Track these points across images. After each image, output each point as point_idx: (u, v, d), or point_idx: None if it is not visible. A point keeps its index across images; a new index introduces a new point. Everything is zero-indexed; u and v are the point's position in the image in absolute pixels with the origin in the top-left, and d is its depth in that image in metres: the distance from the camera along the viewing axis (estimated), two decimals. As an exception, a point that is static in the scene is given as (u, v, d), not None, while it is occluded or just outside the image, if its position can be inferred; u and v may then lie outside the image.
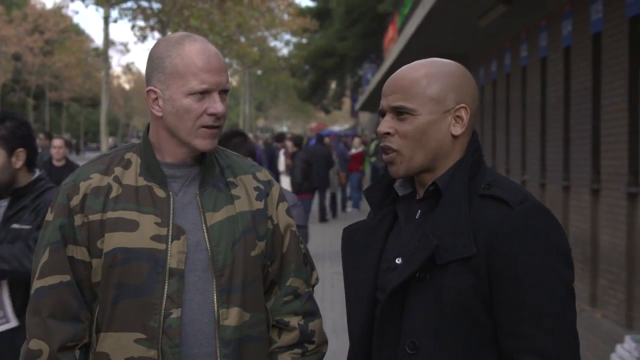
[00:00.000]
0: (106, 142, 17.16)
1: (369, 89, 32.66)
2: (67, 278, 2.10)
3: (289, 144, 15.43)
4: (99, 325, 2.11)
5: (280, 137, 19.11)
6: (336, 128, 68.68)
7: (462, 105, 1.90)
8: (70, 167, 8.92)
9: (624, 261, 7.81)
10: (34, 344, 2.09)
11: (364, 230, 2.03)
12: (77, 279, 2.11)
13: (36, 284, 2.12)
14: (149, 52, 2.17)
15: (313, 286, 2.33)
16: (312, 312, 2.28)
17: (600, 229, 8.60)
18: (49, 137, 13.61)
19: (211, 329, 2.10)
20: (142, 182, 2.14)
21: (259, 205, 2.22)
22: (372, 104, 39.60)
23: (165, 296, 2.06)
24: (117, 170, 2.15)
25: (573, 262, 1.83)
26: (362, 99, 39.73)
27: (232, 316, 2.11)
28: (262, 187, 2.25)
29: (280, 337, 2.24)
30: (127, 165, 2.16)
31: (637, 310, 7.54)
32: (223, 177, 2.21)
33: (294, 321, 2.24)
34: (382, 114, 1.95)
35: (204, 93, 2.07)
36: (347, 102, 60.59)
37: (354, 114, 56.70)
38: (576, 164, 9.62)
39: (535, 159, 11.74)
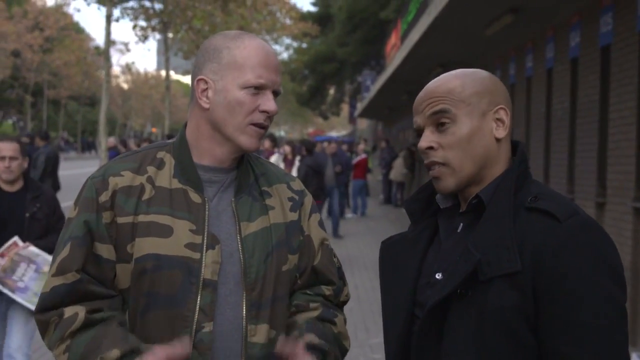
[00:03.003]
0: (105, 141, 17.00)
1: (369, 96, 32.60)
2: (88, 275, 1.97)
3: (287, 148, 14.16)
4: None
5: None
6: (334, 134, 68.67)
7: (501, 106, 1.84)
8: (33, 190, 5.11)
9: (629, 276, 7.73)
10: (69, 311, 1.94)
11: (402, 243, 1.95)
12: (101, 278, 1.98)
13: (53, 281, 1.97)
14: (202, 45, 2.11)
15: (343, 303, 2.22)
16: (334, 308, 2.18)
17: (605, 243, 8.50)
18: (46, 137, 13.38)
19: (238, 346, 1.98)
20: (176, 184, 2.03)
21: (293, 216, 2.13)
22: (372, 111, 39.56)
23: (197, 308, 1.95)
24: (150, 170, 2.04)
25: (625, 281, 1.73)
26: (361, 105, 39.69)
27: (261, 333, 2.01)
28: (296, 197, 2.16)
29: (297, 316, 2.11)
30: (160, 165, 2.05)
31: (642, 326, 7.46)
32: (258, 186, 2.11)
33: (314, 304, 2.13)
34: (419, 133, 1.88)
35: (259, 88, 2.00)
36: (345, 108, 60.57)
37: (352, 120, 56.68)
38: (581, 177, 9.55)
39: (539, 171, 11.66)
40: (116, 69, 67.21)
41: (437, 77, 1.88)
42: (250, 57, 2.00)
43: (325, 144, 21.24)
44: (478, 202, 1.81)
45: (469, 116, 1.80)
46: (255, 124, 2.01)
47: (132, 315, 1.99)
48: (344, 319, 2.18)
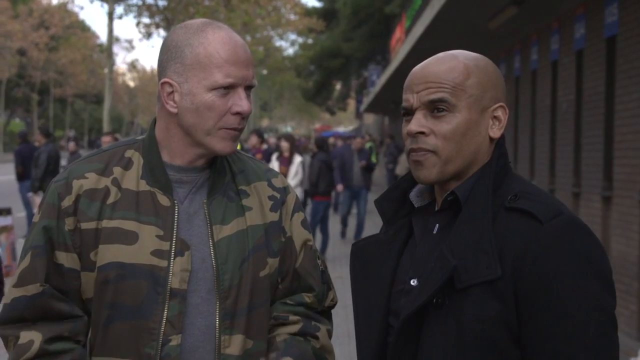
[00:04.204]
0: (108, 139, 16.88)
1: (374, 90, 32.50)
2: (51, 287, 1.86)
3: (285, 145, 12.19)
4: (91, 347, 1.88)
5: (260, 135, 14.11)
6: (341, 129, 68.61)
7: (500, 104, 1.69)
8: None
9: (636, 271, 7.60)
10: (25, 336, 1.84)
11: (375, 246, 1.80)
12: (65, 289, 1.87)
13: (13, 292, 1.87)
14: (164, 40, 1.92)
15: (328, 308, 2.08)
16: (317, 319, 2.03)
17: (612, 238, 8.38)
18: (48, 135, 13.30)
19: (211, 358, 1.86)
20: (144, 186, 1.88)
21: (274, 217, 1.97)
22: (378, 106, 39.44)
23: (164, 320, 1.82)
24: (117, 171, 1.90)
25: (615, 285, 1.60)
26: (367, 100, 39.59)
27: (235, 344, 1.87)
28: (277, 195, 2.01)
29: (277, 330, 1.98)
30: (127, 165, 1.91)
31: (650, 322, 7.33)
32: (234, 185, 1.96)
33: (294, 317, 1.99)
34: (408, 112, 1.70)
35: (228, 88, 1.83)
36: (352, 103, 60.49)
37: (358, 115, 56.56)
38: (587, 170, 9.41)
39: (544, 165, 11.53)
40: (122, 67, 67.23)
41: (439, 57, 1.71)
42: (216, 54, 1.82)
43: (332, 139, 20.79)
44: (454, 199, 1.67)
45: (468, 109, 1.65)
46: (227, 128, 1.86)
47: (95, 327, 1.87)
48: (328, 329, 2.05)
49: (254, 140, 13.59)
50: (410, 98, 1.69)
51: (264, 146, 14.32)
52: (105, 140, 11.21)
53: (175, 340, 1.83)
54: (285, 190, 2.04)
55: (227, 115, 1.85)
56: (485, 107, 1.67)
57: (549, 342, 1.53)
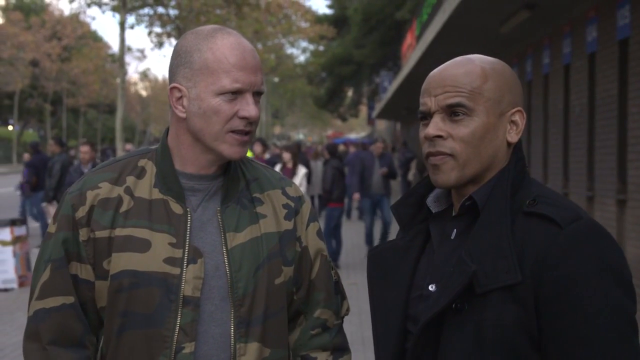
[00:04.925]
0: (122, 148, 16.99)
1: (386, 97, 32.50)
2: (70, 300, 1.88)
3: (286, 155, 11.58)
4: (103, 355, 1.90)
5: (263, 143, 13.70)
6: (353, 136, 68.64)
7: (518, 108, 1.69)
8: None
9: (652, 275, 7.54)
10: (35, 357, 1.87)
11: (392, 252, 1.79)
12: (81, 300, 1.89)
13: (35, 305, 1.90)
14: (175, 45, 1.93)
15: (342, 317, 2.10)
16: (341, 347, 2.07)
17: (627, 241, 8.33)
18: (61, 144, 13.36)
19: None
20: (156, 195, 1.89)
21: (288, 225, 1.98)
22: (389, 112, 39.45)
23: (177, 328, 1.83)
24: (130, 180, 1.91)
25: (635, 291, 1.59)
26: (379, 107, 39.61)
27: (251, 352, 1.87)
28: (291, 204, 2.01)
29: None
30: (140, 174, 1.92)
31: (666, 326, 7.27)
32: (248, 192, 1.96)
33: (322, 357, 2.03)
34: (426, 116, 1.71)
35: (236, 93, 1.83)
36: (363, 109, 60.52)
37: (370, 121, 56.57)
38: (601, 174, 9.37)
39: (558, 169, 11.48)
40: (134, 76, 67.59)
41: (456, 61, 1.71)
42: (224, 59, 1.83)
43: (347, 146, 20.78)
44: (471, 204, 1.66)
45: (486, 112, 1.65)
46: (235, 131, 1.86)
47: (108, 335, 1.88)
48: (349, 357, 2.10)
49: (258, 149, 13.33)
50: (428, 102, 1.69)
51: (267, 155, 13.99)
52: (83, 149, 11.11)
53: (188, 348, 1.83)
54: (299, 199, 2.04)
55: (234, 119, 1.85)
56: (503, 112, 1.67)
57: (569, 347, 1.52)
